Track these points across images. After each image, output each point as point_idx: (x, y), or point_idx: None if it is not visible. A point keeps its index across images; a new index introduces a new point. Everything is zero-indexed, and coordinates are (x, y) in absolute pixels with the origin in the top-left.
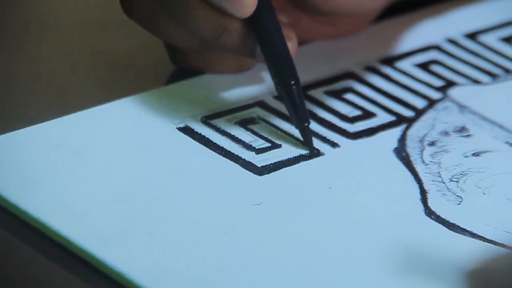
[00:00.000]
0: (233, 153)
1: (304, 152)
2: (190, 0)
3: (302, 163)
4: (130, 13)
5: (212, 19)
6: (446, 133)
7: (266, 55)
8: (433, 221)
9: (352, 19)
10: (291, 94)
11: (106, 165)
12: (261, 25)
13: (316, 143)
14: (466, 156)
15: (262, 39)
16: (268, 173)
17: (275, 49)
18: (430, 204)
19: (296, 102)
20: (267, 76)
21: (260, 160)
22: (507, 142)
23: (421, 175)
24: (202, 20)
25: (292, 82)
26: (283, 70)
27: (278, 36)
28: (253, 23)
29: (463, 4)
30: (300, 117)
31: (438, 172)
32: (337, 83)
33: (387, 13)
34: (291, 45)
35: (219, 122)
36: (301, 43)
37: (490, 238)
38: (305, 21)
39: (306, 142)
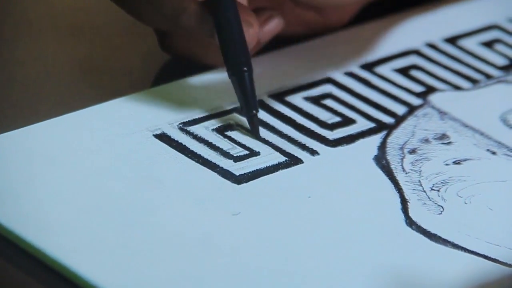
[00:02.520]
0: (211, 161)
1: (283, 159)
2: None
3: (281, 171)
4: None
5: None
6: (426, 141)
7: (220, 39)
8: (414, 231)
9: (338, 8)
10: (242, 81)
11: (80, 173)
12: (217, 8)
13: (295, 150)
14: (447, 164)
15: (218, 22)
16: (247, 181)
17: (229, 34)
18: (411, 213)
19: (247, 89)
20: None
21: (238, 169)
22: (488, 150)
23: (402, 183)
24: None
25: (244, 69)
26: (235, 56)
27: (233, 21)
28: (211, 5)
29: (442, 8)
30: (250, 105)
31: (419, 181)
32: (316, 89)
33: (368, 15)
34: (251, 31)
35: (197, 129)
36: (287, 32)
37: (471, 249)
38: (288, 6)
39: (253, 130)
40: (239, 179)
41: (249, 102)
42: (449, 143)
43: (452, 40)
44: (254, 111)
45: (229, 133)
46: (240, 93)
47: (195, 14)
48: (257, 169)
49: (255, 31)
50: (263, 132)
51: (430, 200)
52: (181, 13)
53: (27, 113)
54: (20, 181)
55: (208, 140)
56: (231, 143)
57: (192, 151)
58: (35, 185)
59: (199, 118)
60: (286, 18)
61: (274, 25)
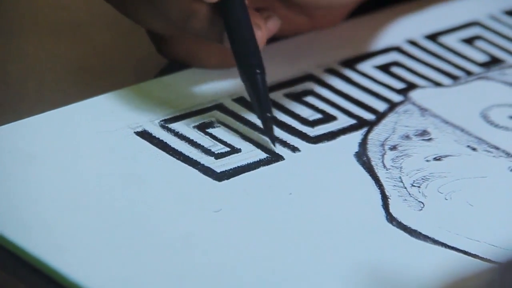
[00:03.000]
0: (192, 158)
1: (264, 156)
2: None
3: (262, 168)
4: None
5: (182, 3)
6: (407, 137)
7: (232, 42)
8: (394, 228)
9: (329, 11)
10: (255, 83)
11: (61, 171)
12: (229, 11)
13: (276, 147)
14: (427, 161)
15: (229, 25)
16: (228, 178)
17: (241, 37)
18: (391, 210)
19: (260, 91)
20: (225, 78)
21: (219, 166)
22: (468, 146)
23: (383, 180)
24: (172, 3)
25: (257, 71)
26: (248, 58)
27: (245, 24)
28: (221, 9)
29: (423, 4)
30: (263, 107)
31: (400, 177)
32: (297, 86)
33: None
34: (260, 33)
35: (178, 126)
36: (277, 34)
37: (451, 245)
38: (281, 11)
39: (267, 132)
40: (220, 176)
41: (262, 105)
42: (429, 139)
43: (433, 37)
44: (268, 114)
45: (210, 130)
46: (253, 96)
47: (205, 17)
48: (238, 166)
49: (264, 34)
50: (244, 129)
51: (411, 196)
52: (190, 17)
53: (9, 111)
54: (1, 178)
55: (189, 137)
56: (212, 140)
57: (173, 148)
58: (16, 183)
59: (180, 115)
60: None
61: (272, 25)
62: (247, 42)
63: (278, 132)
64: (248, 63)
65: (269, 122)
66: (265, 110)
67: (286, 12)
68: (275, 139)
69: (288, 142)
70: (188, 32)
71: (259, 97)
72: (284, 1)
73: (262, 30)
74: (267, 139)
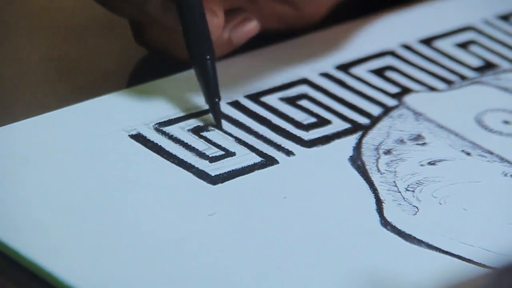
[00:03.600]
0: (186, 162)
1: (258, 160)
2: None
3: (256, 172)
4: None
5: None
6: (401, 141)
7: (183, 26)
8: (389, 232)
9: (312, 1)
10: (204, 69)
11: (56, 173)
12: None
13: (271, 151)
14: (422, 165)
15: (180, 10)
16: (222, 182)
17: (191, 21)
18: (386, 214)
19: (209, 76)
20: (220, 82)
21: (213, 169)
22: (463, 151)
23: (377, 184)
24: None
25: (207, 57)
26: (197, 43)
27: (196, 8)
28: None
29: (417, 8)
30: (212, 93)
31: (394, 181)
32: (291, 90)
33: (344, 16)
34: (216, 20)
35: (172, 129)
36: (263, 27)
37: (446, 250)
38: (265, 1)
39: (215, 118)
40: (215, 180)
41: (211, 90)
42: (424, 144)
43: (427, 41)
44: (217, 99)
45: (204, 134)
46: (202, 81)
47: (159, 2)
48: (232, 170)
49: (220, 21)
50: (239, 132)
51: (405, 200)
52: (146, 2)
53: (2, 113)
54: None
55: (183, 141)
56: (207, 143)
57: (168, 151)
58: (9, 185)
59: (174, 118)
60: (262, 13)
61: (249, 28)
62: (197, 27)
63: (272, 135)
64: (197, 48)
65: (217, 107)
66: (213, 95)
67: (270, 3)
68: (221, 127)
69: (282, 145)
70: (146, 16)
71: (208, 82)
72: None
73: (218, 17)
74: (259, 141)
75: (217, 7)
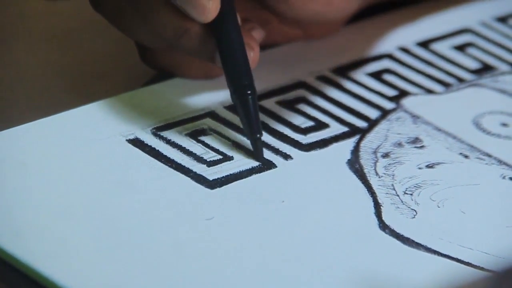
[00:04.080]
0: (184, 166)
1: (256, 164)
2: None
3: (254, 176)
4: (97, 7)
5: (175, 20)
6: (399, 144)
7: (224, 61)
8: (387, 235)
9: (323, 25)
10: (246, 104)
11: (54, 178)
12: (221, 31)
13: (269, 155)
14: (420, 168)
15: (221, 45)
16: (220, 186)
17: (233, 57)
18: (384, 217)
19: (251, 112)
20: (218, 86)
21: (211, 173)
22: (461, 153)
23: (375, 187)
24: (165, 20)
25: (248, 92)
26: (239, 79)
27: (237, 44)
28: (214, 28)
29: (415, 11)
30: (253, 128)
31: (392, 185)
32: (289, 93)
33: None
34: (252, 55)
35: (170, 134)
36: (269, 45)
37: (444, 253)
38: (274, 23)
39: (256, 153)
40: (213, 184)
41: (253, 126)
42: (422, 147)
43: (425, 44)
44: (258, 135)
45: (202, 138)
46: (243, 116)
47: (198, 36)
48: (230, 174)
49: (256, 55)
50: (236, 137)
51: (403, 204)
52: (182, 35)
53: (0, 118)
54: None
55: (181, 145)
56: (205, 148)
57: (165, 156)
58: (6, 191)
59: (172, 123)
60: (272, 35)
61: (256, 35)
62: (239, 63)
63: (270, 139)
64: (239, 84)
65: (259, 143)
66: (255, 131)
67: (281, 25)
68: (264, 161)
69: (280, 149)
70: (179, 50)
71: (250, 119)
72: (278, 15)
73: (255, 51)
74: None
75: (253, 41)
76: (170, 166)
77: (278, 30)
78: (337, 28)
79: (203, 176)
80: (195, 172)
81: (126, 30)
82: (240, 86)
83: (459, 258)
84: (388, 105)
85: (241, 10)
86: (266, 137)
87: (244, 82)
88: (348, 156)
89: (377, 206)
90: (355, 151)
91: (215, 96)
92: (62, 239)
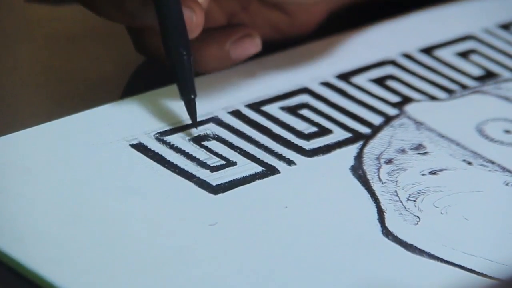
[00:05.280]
0: (187, 171)
1: (259, 169)
2: None
3: (257, 181)
4: None
5: None
6: (403, 151)
7: (159, 22)
8: (390, 242)
9: (305, 8)
10: (181, 65)
11: (56, 184)
12: None
13: (272, 161)
14: (423, 174)
15: (158, 7)
16: (223, 191)
17: (169, 17)
18: (387, 224)
19: (186, 73)
20: (221, 91)
21: (215, 179)
22: (464, 160)
23: (378, 194)
24: None
25: (184, 53)
26: (173, 39)
27: (173, 4)
28: None
29: (418, 18)
30: (187, 89)
31: (395, 191)
32: (292, 99)
33: (344, 25)
34: (194, 17)
35: (173, 139)
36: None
37: (447, 260)
38: (255, 6)
39: (190, 115)
40: (216, 189)
41: (187, 86)
42: (425, 153)
43: (428, 51)
44: (192, 96)
45: (205, 143)
46: (178, 77)
47: (138, 0)
48: (234, 179)
49: (199, 18)
50: (240, 142)
51: (407, 210)
52: (125, 0)
53: (2, 123)
54: None
55: (184, 150)
56: (208, 153)
57: (169, 161)
58: (9, 196)
59: (175, 128)
60: (254, 21)
61: (249, 44)
62: (174, 23)
63: (273, 145)
64: (174, 45)
65: (193, 104)
66: (189, 91)
67: (262, 9)
68: (197, 121)
69: (283, 155)
70: (125, 16)
71: (184, 79)
72: None
73: (197, 14)
74: (260, 150)
75: (196, 5)
76: (173, 171)
77: (260, 14)
78: (320, 15)
79: (207, 182)
80: (199, 177)
81: (87, 4)
82: (174, 46)
83: (462, 265)
84: (392, 111)
85: None
86: (269, 142)
87: (179, 42)
88: (351, 162)
89: (380, 212)
90: (359, 157)
91: (218, 102)
92: (66, 244)
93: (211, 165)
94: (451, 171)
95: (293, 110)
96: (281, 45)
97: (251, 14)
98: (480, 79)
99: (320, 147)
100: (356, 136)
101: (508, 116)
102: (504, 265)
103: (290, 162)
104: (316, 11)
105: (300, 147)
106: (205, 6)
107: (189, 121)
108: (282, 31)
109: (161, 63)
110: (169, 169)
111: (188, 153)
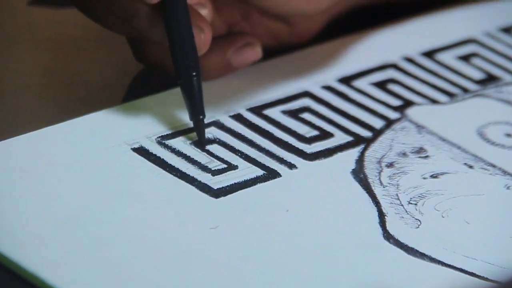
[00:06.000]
0: (189, 175)
1: (261, 173)
2: None
3: (259, 185)
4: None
5: (125, 2)
6: (404, 154)
7: (170, 41)
8: (391, 245)
9: (305, 18)
10: (190, 85)
11: (58, 187)
12: (169, 11)
13: (273, 164)
14: (424, 178)
15: (168, 25)
16: (225, 195)
17: (179, 37)
18: (388, 227)
19: (194, 93)
20: (222, 95)
21: (216, 182)
22: (465, 164)
23: (379, 197)
24: (115, 2)
25: (193, 74)
26: (184, 60)
27: (183, 24)
28: (162, 9)
29: (419, 21)
30: (196, 110)
31: (397, 194)
32: (294, 102)
33: (345, 29)
34: (203, 36)
35: (175, 143)
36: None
37: (448, 263)
38: (256, 16)
39: (198, 136)
40: (217, 193)
41: (196, 107)
42: (426, 156)
43: (429, 54)
44: (201, 116)
45: (207, 147)
46: (187, 98)
47: (146, 16)
48: (235, 183)
49: (207, 37)
50: (241, 146)
51: (408, 213)
52: (133, 16)
53: (4, 126)
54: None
55: (186, 154)
56: (209, 156)
57: (170, 164)
58: (11, 200)
59: (177, 131)
60: (255, 30)
61: (250, 53)
62: (184, 43)
63: (275, 148)
64: (184, 64)
65: (201, 125)
66: (197, 112)
67: (263, 20)
68: (204, 144)
69: (284, 159)
70: (134, 31)
71: (193, 99)
72: (259, 9)
73: (205, 33)
74: (261, 154)
75: (205, 23)
76: (174, 175)
77: (260, 24)
78: (320, 24)
79: (208, 185)
80: (200, 181)
81: (93, 15)
82: (184, 67)
83: (463, 268)
84: (393, 115)
85: (221, 3)
86: (271, 146)
87: (189, 62)
88: (352, 165)
89: (381, 215)
90: (360, 160)
91: (219, 105)
92: (67, 247)
93: (213, 169)
94: (452, 175)
95: (294, 114)
96: (282, 49)
97: (252, 24)
98: (481, 82)
99: (321, 151)
100: (357, 140)
101: (509, 120)
102: (505, 268)
103: (291, 166)
104: (316, 21)
105: (302, 150)
106: (210, 19)
107: (191, 126)
108: (282, 40)
109: (160, 73)
110: (171, 173)
111: (189, 156)
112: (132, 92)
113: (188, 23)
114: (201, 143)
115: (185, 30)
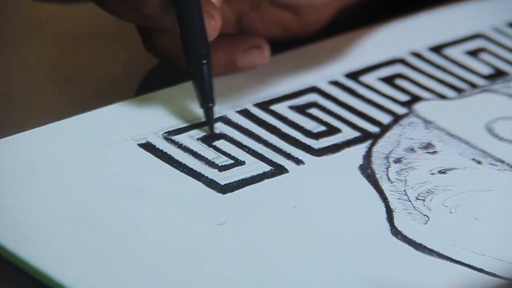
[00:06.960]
0: (196, 171)
1: (268, 169)
2: None
3: (266, 181)
4: None
5: None
6: (411, 150)
7: (181, 30)
8: (399, 241)
9: (314, 9)
10: (200, 73)
11: (64, 183)
12: None
13: (280, 160)
14: (432, 174)
15: (179, 13)
16: (232, 191)
17: (190, 25)
18: (396, 223)
19: (205, 81)
20: (229, 91)
21: (223, 178)
22: (473, 159)
23: (387, 193)
24: None
25: (204, 61)
26: (195, 48)
27: (195, 11)
28: None
29: (427, 16)
30: (206, 97)
31: (404, 190)
32: (301, 98)
33: (353, 24)
34: (213, 23)
35: (181, 138)
36: (267, 37)
37: (456, 259)
38: (265, 6)
39: (208, 123)
40: (224, 189)
41: (206, 94)
42: (434, 152)
43: (437, 49)
44: (211, 104)
45: (214, 143)
46: (197, 86)
47: (157, 3)
48: (242, 179)
49: (217, 24)
50: (248, 141)
51: (416, 209)
52: (144, 2)
53: (11, 122)
54: (4, 190)
55: (193, 150)
56: (216, 152)
57: (177, 160)
58: (17, 195)
59: (184, 127)
60: (264, 20)
61: (256, 56)
62: (195, 31)
63: (282, 144)
64: (195, 52)
65: (211, 112)
66: (208, 100)
67: (272, 9)
68: (214, 132)
69: (292, 154)
70: (145, 18)
71: (204, 87)
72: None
73: (216, 20)
74: (268, 150)
75: (215, 10)
76: (181, 171)
77: (269, 14)
78: (329, 15)
79: (215, 181)
80: (207, 177)
81: (103, 5)
82: (196, 55)
83: (471, 264)
84: (400, 110)
85: None
86: (278, 142)
87: (200, 51)
88: (360, 161)
89: (389, 211)
90: (367, 156)
91: (226, 100)
92: (74, 243)
93: (220, 165)
94: (460, 170)
95: (301, 109)
96: (290, 43)
97: (261, 14)
98: (489, 77)
99: (328, 146)
100: (365, 135)
101: None
102: None
103: (298, 161)
104: (325, 11)
105: (309, 146)
106: (218, 6)
107: (197, 121)
108: (291, 30)
109: (168, 64)
110: (177, 169)
111: (196, 152)
112: (139, 88)
113: (199, 11)
114: (211, 131)
115: (196, 18)
